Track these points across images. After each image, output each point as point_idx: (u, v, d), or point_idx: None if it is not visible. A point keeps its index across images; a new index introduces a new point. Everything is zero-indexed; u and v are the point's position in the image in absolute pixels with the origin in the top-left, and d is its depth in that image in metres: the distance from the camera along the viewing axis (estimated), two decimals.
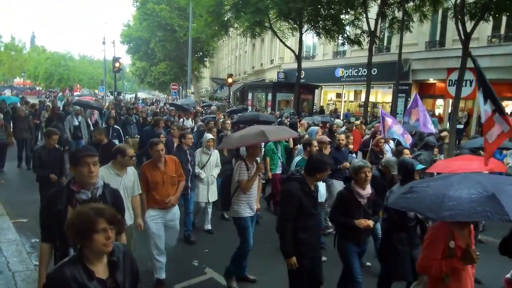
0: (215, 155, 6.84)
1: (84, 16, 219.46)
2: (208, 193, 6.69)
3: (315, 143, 6.49)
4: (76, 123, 10.98)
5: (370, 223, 4.14)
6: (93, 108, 14.04)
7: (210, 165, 6.71)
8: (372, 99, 21.54)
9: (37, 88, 71.19)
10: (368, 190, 4.22)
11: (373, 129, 10.91)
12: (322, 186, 6.19)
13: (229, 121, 9.84)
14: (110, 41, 67.64)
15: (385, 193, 4.81)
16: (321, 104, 28.08)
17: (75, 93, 51.37)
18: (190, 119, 13.25)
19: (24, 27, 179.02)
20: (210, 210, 6.92)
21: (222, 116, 12.99)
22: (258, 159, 5.21)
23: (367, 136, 10.39)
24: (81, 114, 11.61)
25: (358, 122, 12.90)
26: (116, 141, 8.81)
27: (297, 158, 6.36)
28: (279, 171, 7.85)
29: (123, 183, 4.36)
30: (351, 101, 26.49)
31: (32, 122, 11.64)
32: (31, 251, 5.70)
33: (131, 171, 4.54)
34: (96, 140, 7.19)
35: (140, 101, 36.50)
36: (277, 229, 4.03)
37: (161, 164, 4.92)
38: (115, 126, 10.28)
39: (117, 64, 26.29)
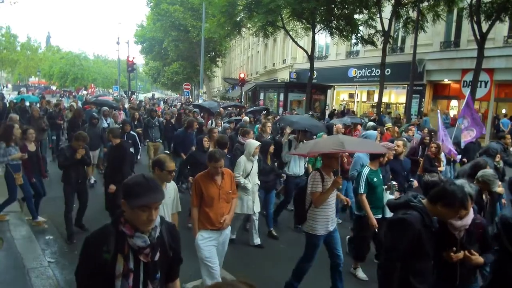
0: (257, 162, 6.24)
1: (99, 17, 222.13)
2: (254, 203, 6.04)
3: (390, 152, 5.63)
4: (105, 125, 10.60)
5: (460, 254, 3.05)
6: (112, 107, 13.56)
7: (254, 173, 6.10)
8: (385, 99, 21.35)
9: (52, 88, 72.31)
10: (466, 220, 3.07)
11: (418, 133, 9.86)
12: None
13: (269, 124, 8.81)
14: (124, 41, 68.26)
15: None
16: (334, 104, 27.96)
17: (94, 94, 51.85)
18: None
19: (40, 27, 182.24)
20: (256, 222, 6.24)
21: (263, 119, 11.80)
22: (337, 171, 4.60)
23: (414, 143, 9.06)
24: (109, 115, 11.25)
25: (389, 124, 11.94)
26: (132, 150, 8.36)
27: (365, 171, 5.20)
28: None
29: (163, 201, 3.84)
30: (364, 102, 26.29)
31: (44, 124, 11.05)
32: (45, 247, 5.78)
33: (172, 187, 4.00)
34: (109, 139, 7.19)
35: (161, 102, 36.44)
36: (379, 267, 3.19)
37: (219, 177, 4.33)
38: (131, 132, 9.61)
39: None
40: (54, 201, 6.94)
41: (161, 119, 12.14)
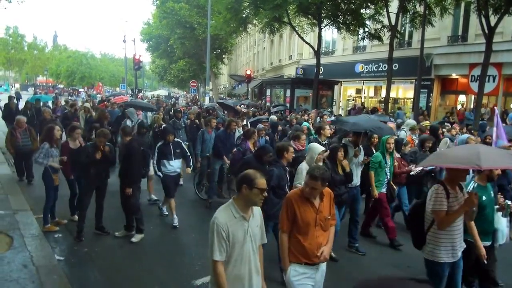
0: None
1: (105, 15, 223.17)
2: None
3: None
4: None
5: None
6: (149, 110, 13.00)
7: None
8: (393, 94, 21.17)
9: (60, 86, 72.98)
10: None
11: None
12: None
13: (328, 128, 7.66)
14: (130, 39, 68.59)
15: None
16: (341, 100, 27.83)
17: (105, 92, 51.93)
18: (244, 121, 10.98)
19: (47, 26, 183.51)
20: None
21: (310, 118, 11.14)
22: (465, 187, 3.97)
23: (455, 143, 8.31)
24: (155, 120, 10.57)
25: (427, 122, 10.98)
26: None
27: (469, 185, 4.39)
28: (384, 189, 6.47)
29: (250, 231, 3.01)
30: (371, 97, 26.12)
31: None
32: (54, 245, 5.86)
33: (258, 212, 3.16)
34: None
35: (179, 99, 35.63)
36: None
37: (317, 199, 3.52)
38: (175, 140, 8.24)
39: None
40: (63, 199, 7.01)
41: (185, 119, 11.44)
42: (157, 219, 7.38)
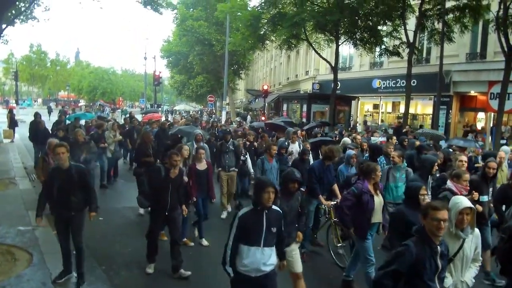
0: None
1: (126, 33, 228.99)
2: None
3: None
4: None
5: None
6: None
7: None
8: (411, 110, 20.97)
9: (81, 101, 74.80)
10: None
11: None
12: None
13: (392, 148, 7.31)
14: (151, 56, 70.40)
15: None
16: (358, 115, 27.69)
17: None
18: (296, 142, 9.73)
19: (70, 43, 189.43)
20: None
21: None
22: None
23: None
24: (202, 140, 8.95)
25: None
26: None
27: None
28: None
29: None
30: (389, 113, 25.94)
31: (86, 150, 8.51)
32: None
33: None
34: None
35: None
36: None
37: None
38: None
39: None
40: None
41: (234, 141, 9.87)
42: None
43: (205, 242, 6.86)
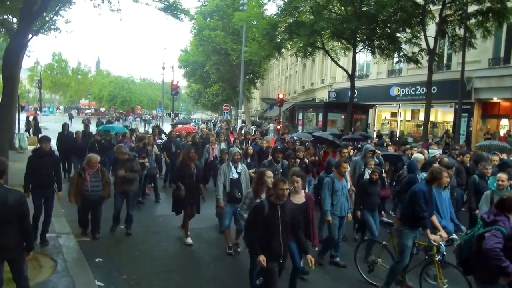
0: None
1: (145, 43, 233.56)
2: None
3: None
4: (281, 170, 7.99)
5: None
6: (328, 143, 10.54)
7: None
8: (431, 118, 20.60)
9: (102, 109, 76.26)
10: None
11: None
12: None
13: (489, 169, 6.88)
14: (169, 66, 71.36)
15: None
16: (375, 124, 27.34)
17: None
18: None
19: (90, 53, 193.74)
20: None
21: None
22: None
23: None
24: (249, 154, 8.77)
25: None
26: None
27: None
28: None
29: None
30: (408, 121, 25.53)
31: (130, 168, 7.49)
32: (95, 270, 5.90)
33: None
34: None
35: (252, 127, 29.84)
36: None
37: None
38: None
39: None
40: (106, 222, 7.21)
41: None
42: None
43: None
